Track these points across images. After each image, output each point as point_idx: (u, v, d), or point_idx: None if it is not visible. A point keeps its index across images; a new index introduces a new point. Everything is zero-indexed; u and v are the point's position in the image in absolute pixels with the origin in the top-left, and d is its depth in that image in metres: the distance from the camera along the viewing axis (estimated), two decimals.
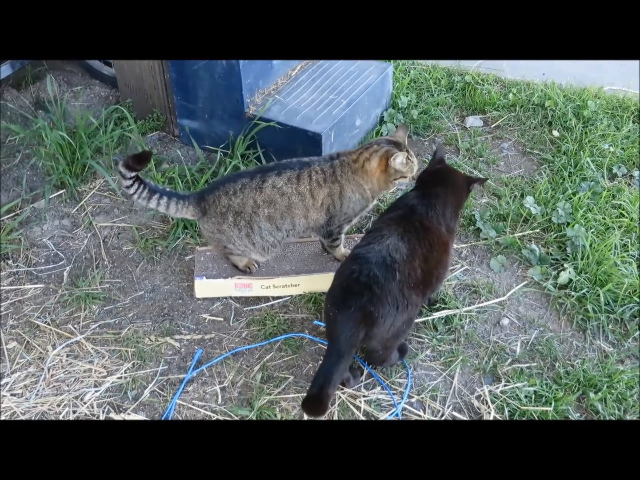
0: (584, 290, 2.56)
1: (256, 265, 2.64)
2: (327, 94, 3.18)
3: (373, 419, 2.21)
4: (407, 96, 3.54)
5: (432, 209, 2.27)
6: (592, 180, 3.07)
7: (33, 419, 2.21)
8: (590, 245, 2.69)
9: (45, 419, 2.21)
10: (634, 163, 3.20)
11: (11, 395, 2.28)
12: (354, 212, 2.51)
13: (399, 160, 2.38)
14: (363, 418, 2.21)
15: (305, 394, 2.07)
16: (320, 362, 2.15)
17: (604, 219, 2.85)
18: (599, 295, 2.53)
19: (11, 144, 3.30)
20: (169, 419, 2.21)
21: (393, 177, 2.44)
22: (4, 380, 2.32)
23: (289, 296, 2.61)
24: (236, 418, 2.21)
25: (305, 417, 2.17)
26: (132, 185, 2.36)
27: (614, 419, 2.20)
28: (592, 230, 2.78)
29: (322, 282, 2.55)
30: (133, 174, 2.32)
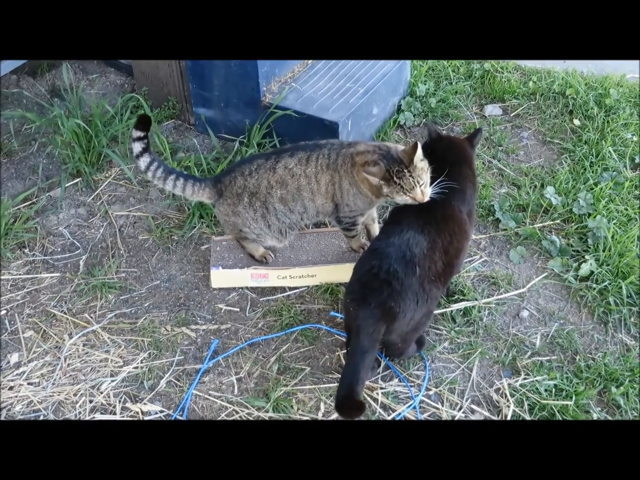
0: (605, 283, 2.52)
1: (272, 256, 2.62)
2: (343, 82, 3.14)
3: (390, 411, 2.19)
4: (425, 84, 3.49)
5: (451, 195, 2.22)
6: (614, 170, 3.01)
7: (49, 408, 2.21)
8: (612, 237, 2.64)
9: (61, 408, 2.21)
10: None
11: (28, 384, 2.28)
12: (358, 206, 2.40)
13: (369, 178, 2.22)
14: (380, 410, 2.19)
15: (335, 399, 2.03)
16: (345, 360, 2.10)
17: (626, 209, 2.80)
18: (620, 287, 2.49)
19: (27, 132, 3.29)
20: (185, 409, 2.20)
21: (380, 191, 2.25)
22: (21, 369, 2.32)
23: (305, 287, 2.59)
24: (252, 409, 2.19)
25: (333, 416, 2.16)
26: (141, 155, 2.37)
27: (635, 413, 2.17)
28: (614, 221, 2.73)
29: (338, 272, 2.53)
30: (142, 134, 2.34)
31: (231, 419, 2.18)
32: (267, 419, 2.16)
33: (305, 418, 2.17)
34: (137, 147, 2.37)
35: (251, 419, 2.17)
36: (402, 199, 2.20)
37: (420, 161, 2.19)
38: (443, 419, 2.17)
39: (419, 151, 2.18)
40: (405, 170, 2.17)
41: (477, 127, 3.31)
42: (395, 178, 2.17)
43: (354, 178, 2.32)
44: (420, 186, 2.17)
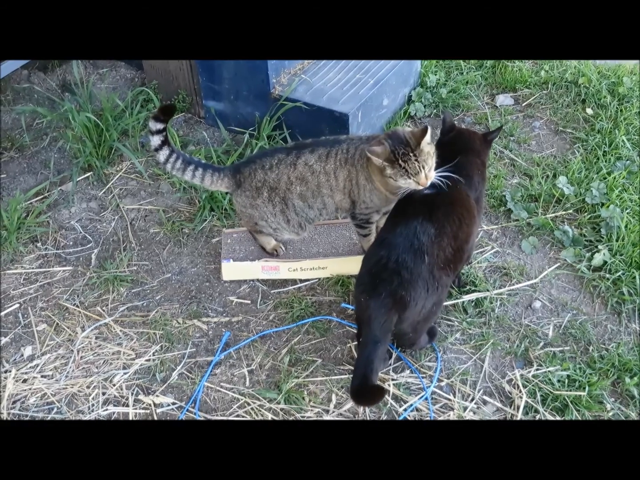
0: (619, 273, 2.50)
1: (283, 248, 2.62)
2: (353, 73, 3.13)
3: (402, 402, 2.19)
4: (435, 74, 3.46)
5: (458, 181, 2.21)
6: (627, 159, 2.98)
7: (63, 400, 2.23)
8: (626, 227, 2.62)
9: (75, 400, 2.23)
10: None
11: (41, 376, 2.30)
12: (374, 202, 2.37)
13: (373, 158, 2.17)
14: (392, 402, 2.18)
15: (350, 389, 2.03)
16: (358, 350, 2.10)
17: None
18: (634, 277, 2.47)
19: (39, 126, 3.31)
20: (197, 401, 2.21)
21: (385, 177, 2.20)
22: (34, 362, 2.34)
23: (316, 279, 2.59)
24: (264, 401, 2.20)
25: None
26: (160, 148, 2.36)
27: None
28: (628, 210, 2.70)
29: (349, 264, 2.52)
30: (161, 126, 2.31)
31: (243, 410, 2.18)
32: (278, 410, 2.17)
33: (316, 410, 2.17)
34: (156, 140, 2.35)
35: (263, 410, 2.17)
36: (406, 182, 2.15)
37: (427, 145, 2.15)
38: (455, 410, 2.16)
39: (428, 135, 2.14)
40: (411, 154, 2.12)
41: (489, 117, 3.29)
42: (400, 161, 2.13)
43: (368, 172, 2.30)
44: (424, 170, 2.13)
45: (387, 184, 2.26)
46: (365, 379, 1.96)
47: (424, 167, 2.13)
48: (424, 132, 2.13)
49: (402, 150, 2.13)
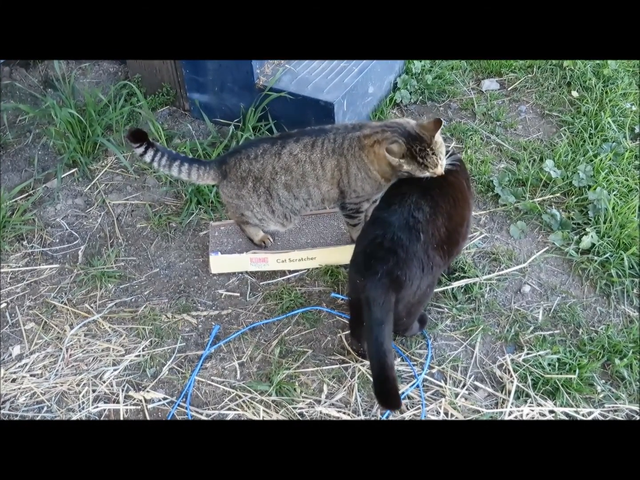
0: (607, 255, 2.50)
1: (271, 240, 2.61)
2: (338, 61, 3.11)
3: None
4: (420, 61, 3.44)
5: (457, 165, 2.19)
6: (613, 141, 2.98)
7: (53, 399, 2.21)
8: (613, 208, 2.62)
9: (65, 398, 2.22)
10: None
11: (31, 375, 2.28)
12: (365, 191, 2.35)
13: (389, 157, 2.15)
14: None
15: (373, 385, 1.99)
16: (365, 337, 2.06)
17: (627, 180, 2.78)
18: (622, 259, 2.47)
19: (21, 123, 3.27)
20: (188, 395, 2.20)
21: (398, 170, 2.19)
22: (23, 361, 2.33)
23: (305, 269, 2.58)
24: (255, 393, 2.19)
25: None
26: (145, 152, 2.36)
27: None
28: (615, 192, 2.71)
29: (338, 254, 2.52)
30: (139, 143, 2.33)
31: (234, 403, 2.18)
32: (270, 402, 2.16)
33: (308, 400, 2.17)
34: (140, 149, 2.35)
35: (255, 403, 2.17)
36: (423, 174, 2.15)
37: (438, 136, 2.15)
38: (446, 396, 2.16)
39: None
40: (429, 149, 2.11)
41: (474, 102, 3.28)
42: (419, 157, 2.12)
43: (362, 161, 2.27)
44: (440, 162, 2.14)
45: (385, 172, 2.24)
46: (383, 366, 1.90)
47: (440, 159, 2.13)
48: (437, 124, 2.11)
49: (418, 147, 2.12)
